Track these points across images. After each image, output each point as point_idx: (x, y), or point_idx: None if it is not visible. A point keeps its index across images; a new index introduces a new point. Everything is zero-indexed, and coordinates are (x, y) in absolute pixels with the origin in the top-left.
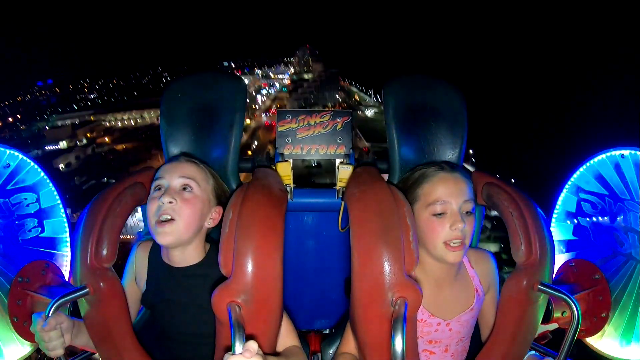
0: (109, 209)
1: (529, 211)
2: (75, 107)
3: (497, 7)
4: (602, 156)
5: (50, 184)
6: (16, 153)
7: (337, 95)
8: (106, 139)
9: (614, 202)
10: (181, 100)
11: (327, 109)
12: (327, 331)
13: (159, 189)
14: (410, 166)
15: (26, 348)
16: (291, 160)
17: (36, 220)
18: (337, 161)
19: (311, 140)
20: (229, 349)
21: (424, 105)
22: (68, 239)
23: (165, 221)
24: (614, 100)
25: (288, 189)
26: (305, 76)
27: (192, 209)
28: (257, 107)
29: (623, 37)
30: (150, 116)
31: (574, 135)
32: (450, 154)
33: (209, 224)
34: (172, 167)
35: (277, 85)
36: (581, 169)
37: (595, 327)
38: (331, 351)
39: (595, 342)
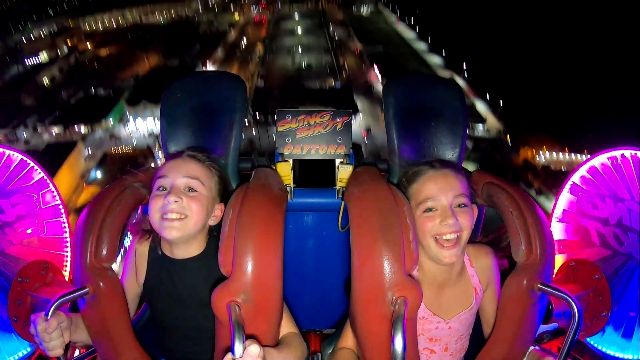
0: (109, 208)
1: (529, 211)
2: (51, 13)
3: None
4: (602, 156)
5: (51, 184)
6: (16, 153)
7: None
8: (88, 44)
9: (614, 202)
10: (181, 100)
11: (326, 111)
12: (327, 331)
13: (163, 187)
14: (410, 166)
15: (26, 348)
16: (291, 160)
17: (36, 221)
18: (337, 161)
19: (311, 140)
20: (229, 348)
21: (424, 105)
22: (68, 239)
23: (173, 219)
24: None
25: (288, 189)
26: None
27: (200, 205)
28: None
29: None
30: (132, 15)
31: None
32: (450, 154)
33: (212, 221)
34: (176, 165)
35: None
36: (581, 169)
37: (595, 327)
38: (331, 351)
39: (595, 342)
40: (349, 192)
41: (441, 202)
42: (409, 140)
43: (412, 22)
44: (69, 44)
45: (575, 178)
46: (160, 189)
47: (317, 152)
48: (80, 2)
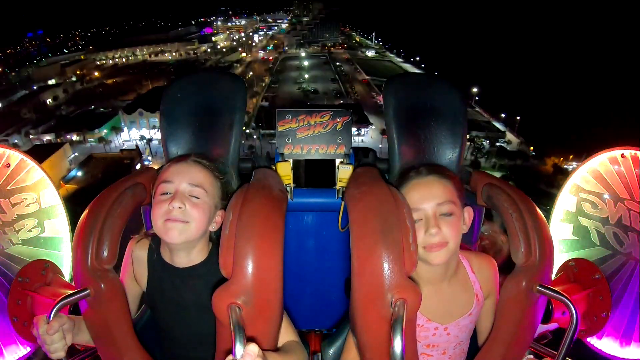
0: (109, 209)
1: (528, 212)
2: (66, 51)
3: None
4: (602, 156)
5: (51, 184)
6: (17, 153)
7: (337, 35)
8: (96, 73)
9: (614, 202)
10: (181, 100)
11: (326, 110)
12: (327, 331)
13: (167, 192)
14: (410, 166)
15: (25, 348)
16: (291, 160)
17: (36, 220)
18: (337, 161)
19: (311, 140)
20: (230, 350)
21: (424, 105)
22: (68, 239)
23: (176, 220)
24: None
25: (288, 189)
26: (304, 19)
27: (202, 213)
28: (254, 45)
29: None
30: (142, 54)
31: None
32: (450, 154)
33: (213, 227)
34: (181, 170)
35: (276, 28)
36: (581, 169)
37: (596, 327)
38: (331, 351)
39: (595, 342)
40: (349, 193)
41: (425, 212)
42: (409, 140)
43: (418, 60)
44: (78, 73)
45: (576, 178)
46: (165, 194)
47: (317, 152)
48: (93, 42)
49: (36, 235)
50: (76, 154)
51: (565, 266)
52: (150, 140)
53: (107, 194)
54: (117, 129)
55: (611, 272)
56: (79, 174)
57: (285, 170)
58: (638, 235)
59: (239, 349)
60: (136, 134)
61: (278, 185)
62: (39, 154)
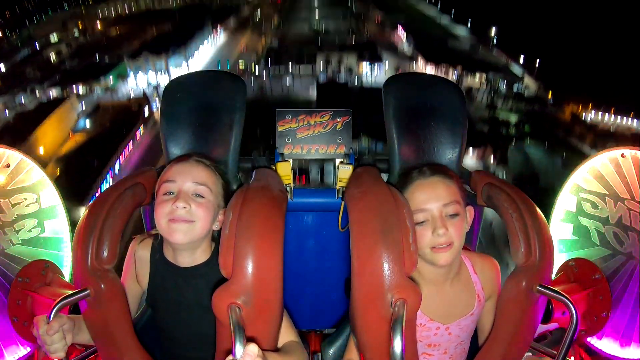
0: (110, 210)
1: (528, 212)
2: (66, 7)
3: None
4: (603, 156)
5: (50, 184)
6: (16, 154)
7: None
8: (99, 26)
9: (614, 202)
10: (181, 100)
11: (326, 110)
12: (327, 331)
13: (171, 192)
14: (412, 166)
15: (25, 348)
16: (291, 160)
17: (36, 221)
18: (337, 161)
19: (311, 140)
20: (230, 350)
21: (424, 104)
22: (68, 239)
23: (181, 220)
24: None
25: (288, 189)
26: None
27: (207, 212)
28: None
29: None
30: (145, 2)
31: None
32: (450, 154)
33: (216, 226)
34: (184, 169)
35: None
36: (581, 169)
37: (596, 326)
38: (331, 351)
39: (595, 342)
40: (349, 193)
41: (431, 213)
42: (409, 140)
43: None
44: (80, 27)
45: (576, 178)
46: (168, 193)
47: (317, 151)
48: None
49: (36, 236)
50: (84, 108)
51: (565, 266)
52: (157, 87)
53: (107, 194)
54: (123, 77)
55: (611, 272)
56: (87, 124)
57: (285, 170)
58: (638, 235)
59: (238, 349)
60: (143, 79)
61: (278, 185)
62: (45, 111)
